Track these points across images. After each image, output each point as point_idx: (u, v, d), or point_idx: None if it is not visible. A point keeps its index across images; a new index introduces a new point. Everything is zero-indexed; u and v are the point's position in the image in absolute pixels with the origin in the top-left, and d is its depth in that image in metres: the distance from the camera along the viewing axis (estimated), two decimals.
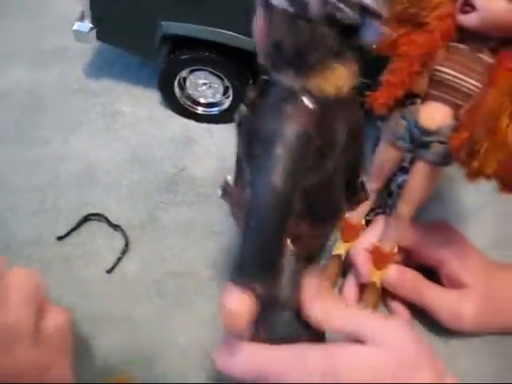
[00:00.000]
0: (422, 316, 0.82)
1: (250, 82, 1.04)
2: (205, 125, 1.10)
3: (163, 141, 1.06)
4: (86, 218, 0.93)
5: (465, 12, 0.61)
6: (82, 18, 1.03)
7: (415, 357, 0.53)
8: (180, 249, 0.92)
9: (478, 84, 0.64)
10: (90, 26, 1.02)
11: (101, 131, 1.07)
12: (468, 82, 0.64)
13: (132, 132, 1.07)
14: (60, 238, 0.91)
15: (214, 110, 1.10)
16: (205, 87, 1.07)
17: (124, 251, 0.90)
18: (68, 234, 0.91)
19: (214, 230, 0.95)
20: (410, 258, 0.87)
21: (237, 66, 1.02)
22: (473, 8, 0.60)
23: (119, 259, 0.89)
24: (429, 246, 0.84)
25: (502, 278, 0.84)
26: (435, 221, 0.89)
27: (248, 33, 0.94)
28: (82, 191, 0.97)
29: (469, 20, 0.61)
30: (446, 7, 0.64)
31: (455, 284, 0.81)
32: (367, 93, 0.68)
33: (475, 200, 0.97)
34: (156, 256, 0.91)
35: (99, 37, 1.04)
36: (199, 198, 0.99)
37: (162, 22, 0.97)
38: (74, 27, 1.03)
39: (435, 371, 0.54)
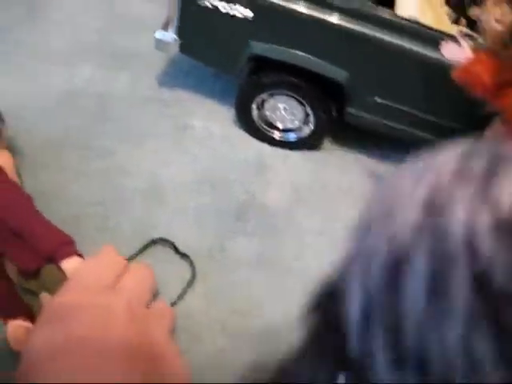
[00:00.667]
0: None
1: (334, 112, 0.99)
2: (280, 150, 1.05)
3: (235, 163, 1.02)
4: (153, 242, 0.89)
5: None
6: (165, 27, 0.98)
7: None
8: (248, 285, 0.87)
9: None
10: (175, 37, 0.97)
11: (170, 146, 1.02)
12: None
13: (202, 149, 1.02)
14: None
15: (292, 137, 1.05)
16: (284, 112, 1.02)
17: (190, 283, 0.85)
18: (134, 257, 0.86)
19: (284, 266, 0.90)
20: None
21: (322, 94, 0.97)
22: None
23: (184, 292, 0.84)
24: None
25: None
26: None
27: (340, 63, 0.90)
28: (148, 211, 0.93)
29: None
30: None
31: None
32: None
33: None
34: (223, 291, 0.86)
35: (183, 49, 0.99)
36: (270, 230, 0.94)
37: (251, 42, 0.92)
38: (157, 36, 0.99)
39: None
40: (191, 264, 0.87)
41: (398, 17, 0.88)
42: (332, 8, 0.87)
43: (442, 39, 0.85)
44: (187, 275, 0.86)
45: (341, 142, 1.05)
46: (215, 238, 0.91)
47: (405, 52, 0.84)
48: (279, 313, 0.85)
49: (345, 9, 0.87)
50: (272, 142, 1.04)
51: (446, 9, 1.07)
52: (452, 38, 0.84)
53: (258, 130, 1.03)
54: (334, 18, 0.87)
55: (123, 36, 1.17)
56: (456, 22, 1.09)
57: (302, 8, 0.88)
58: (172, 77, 1.12)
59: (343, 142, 1.05)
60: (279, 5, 0.88)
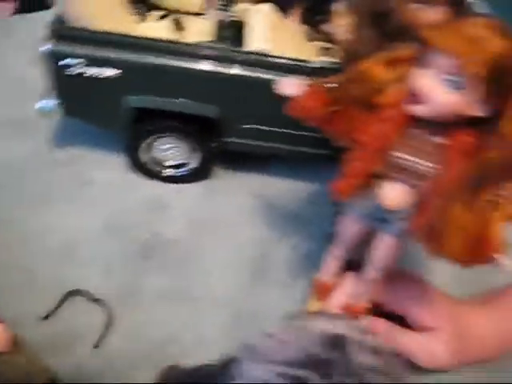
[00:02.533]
0: None
1: (214, 144, 1.08)
2: (174, 186, 1.14)
3: (136, 206, 1.10)
4: (68, 295, 0.96)
5: (414, 103, 0.66)
6: (47, 94, 1.05)
7: None
8: (162, 317, 0.95)
9: (432, 165, 0.69)
10: (55, 102, 1.05)
11: (73, 203, 1.09)
12: (422, 165, 0.69)
13: (104, 199, 1.10)
14: (45, 318, 0.93)
15: (181, 171, 1.14)
16: (171, 151, 1.11)
17: (108, 326, 0.93)
18: (51, 313, 0.94)
19: (193, 296, 0.98)
20: (381, 308, 0.92)
21: (200, 130, 1.06)
22: (421, 99, 0.66)
23: (104, 335, 0.92)
24: (394, 299, 0.90)
25: (467, 314, 0.90)
26: (399, 271, 0.94)
27: (208, 100, 0.99)
28: (61, 267, 1.00)
29: (418, 110, 0.66)
30: (396, 96, 0.69)
31: (425, 329, 0.87)
32: (329, 182, 0.74)
33: None
34: (138, 327, 0.94)
35: (67, 113, 1.07)
36: (176, 263, 1.02)
37: (126, 97, 1.01)
38: (38, 105, 1.06)
39: None
40: (107, 308, 0.95)
41: (250, 52, 0.97)
42: (194, 56, 0.96)
43: (290, 64, 0.96)
44: (105, 319, 0.94)
45: (231, 169, 1.14)
46: (126, 280, 0.99)
47: (257, 82, 0.93)
48: (195, 339, 0.93)
49: (207, 56, 0.96)
50: (166, 179, 1.12)
51: (303, 27, 1.17)
52: (298, 61, 0.94)
53: (151, 171, 1.11)
54: (197, 65, 0.96)
55: (10, 103, 1.23)
56: (314, 39, 1.19)
57: (170, 61, 0.96)
58: (66, 137, 1.19)
59: (233, 168, 1.14)
60: (146, 61, 0.96)
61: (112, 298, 0.96)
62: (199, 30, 1.15)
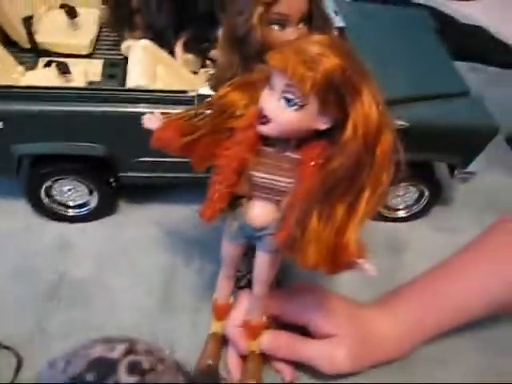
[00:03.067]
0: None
1: (111, 180, 1.12)
2: (79, 225, 1.17)
3: (41, 250, 1.12)
4: None
5: (263, 123, 0.70)
6: None
7: None
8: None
9: (289, 180, 0.72)
10: None
11: None
12: (280, 181, 0.73)
13: (10, 248, 1.13)
14: None
15: (84, 210, 1.17)
16: (70, 192, 1.14)
17: (17, 370, 0.95)
18: None
19: (96, 328, 1.01)
20: (281, 320, 0.96)
21: (93, 169, 1.10)
22: (268, 119, 0.69)
23: (14, 379, 0.94)
24: (291, 311, 0.94)
25: (368, 317, 0.93)
26: (296, 284, 0.98)
27: (95, 140, 1.03)
28: None
29: (266, 130, 0.70)
30: (248, 118, 0.73)
31: (325, 336, 0.91)
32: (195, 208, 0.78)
33: None
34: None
35: None
36: (81, 300, 1.05)
37: (12, 146, 1.04)
38: None
39: None
40: (16, 353, 0.97)
41: (127, 90, 1.01)
42: (70, 100, 1.00)
43: (172, 97, 1.00)
44: (15, 364, 0.96)
45: (134, 202, 1.17)
46: (34, 322, 1.01)
47: (138, 117, 0.96)
48: None
49: (82, 96, 0.99)
50: (70, 219, 1.14)
51: (189, 57, 1.21)
52: (173, 92, 0.98)
53: (55, 213, 1.14)
54: (73, 107, 0.99)
55: None
56: (202, 67, 1.24)
57: (50, 107, 0.99)
58: None
59: (136, 201, 1.17)
60: (27, 109, 0.99)
61: (21, 342, 0.98)
62: (87, 72, 1.19)
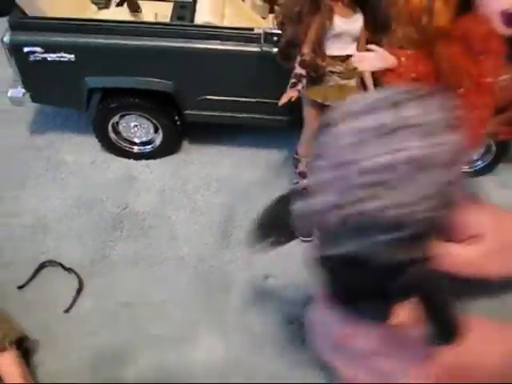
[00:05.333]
0: None
1: (176, 118, 1.14)
2: (143, 161, 1.20)
3: (106, 183, 1.16)
4: (42, 266, 1.02)
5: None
6: (14, 85, 1.12)
7: None
8: (129, 280, 1.01)
9: None
10: (23, 91, 1.12)
11: (48, 183, 1.16)
12: None
13: (76, 179, 1.17)
14: (20, 287, 1.00)
15: (149, 147, 1.20)
16: (137, 128, 1.17)
17: (79, 290, 0.99)
18: (27, 283, 1.00)
19: (159, 258, 1.04)
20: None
21: (160, 106, 1.12)
22: None
23: (75, 299, 0.98)
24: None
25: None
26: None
27: (163, 76, 1.05)
28: (36, 242, 1.06)
29: None
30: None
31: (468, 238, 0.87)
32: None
33: None
34: (108, 290, 1.00)
35: (34, 99, 1.14)
36: (143, 231, 1.08)
37: (86, 78, 1.07)
38: (9, 94, 1.13)
39: None
40: (77, 276, 1.01)
41: (196, 25, 1.02)
42: (140, 34, 1.02)
43: (238, 34, 1.01)
44: (76, 286, 1.00)
45: (198, 141, 1.20)
46: (96, 250, 1.05)
47: (209, 52, 0.98)
48: (164, 296, 0.99)
49: (151, 31, 1.01)
50: (135, 156, 1.17)
51: (257, 2, 1.22)
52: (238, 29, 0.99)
53: (120, 149, 1.17)
54: (143, 42, 1.01)
55: None
56: (271, 11, 1.24)
57: (120, 41, 1.02)
58: (40, 123, 1.26)
59: (201, 140, 1.20)
60: (100, 43, 1.02)
61: (82, 266, 1.03)
62: (157, 13, 1.21)
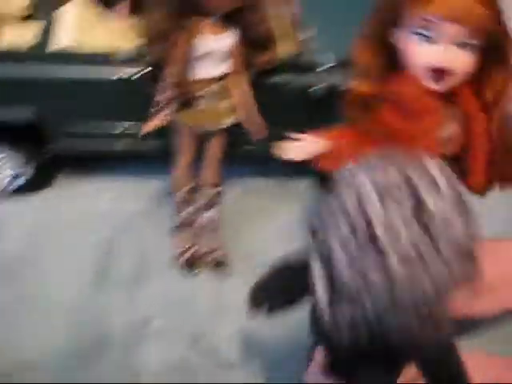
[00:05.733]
0: None
1: (45, 150, 1.05)
2: (12, 197, 1.11)
3: None
4: None
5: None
6: None
7: None
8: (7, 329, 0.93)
9: None
10: None
11: None
12: None
13: None
14: None
15: (21, 181, 1.11)
16: (6, 161, 1.08)
17: None
18: None
19: (30, 302, 0.96)
20: None
21: (25, 140, 1.05)
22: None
23: None
24: None
25: None
26: None
27: (23, 106, 0.96)
28: None
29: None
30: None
31: None
32: None
33: None
34: None
35: None
36: (12, 276, 0.99)
37: None
38: None
39: None
40: None
41: (53, 52, 0.94)
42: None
43: (97, 59, 0.93)
44: None
45: (73, 175, 1.12)
46: None
47: (68, 80, 0.91)
48: (38, 343, 0.91)
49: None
50: (3, 191, 1.09)
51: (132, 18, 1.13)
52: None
53: None
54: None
55: None
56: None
57: None
58: None
59: (76, 174, 1.12)
60: None
61: None
62: (19, 36, 1.11)
